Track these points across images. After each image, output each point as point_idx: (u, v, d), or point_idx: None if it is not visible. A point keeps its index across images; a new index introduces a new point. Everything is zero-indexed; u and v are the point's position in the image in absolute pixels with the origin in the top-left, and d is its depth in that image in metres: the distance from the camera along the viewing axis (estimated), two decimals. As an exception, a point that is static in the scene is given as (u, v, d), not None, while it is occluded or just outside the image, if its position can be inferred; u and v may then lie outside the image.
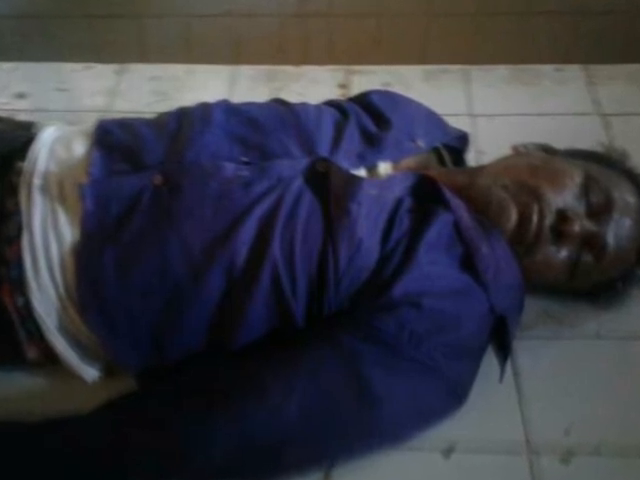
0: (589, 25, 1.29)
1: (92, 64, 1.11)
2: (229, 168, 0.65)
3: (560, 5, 1.34)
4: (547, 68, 1.10)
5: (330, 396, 0.59)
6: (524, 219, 0.66)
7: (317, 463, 0.62)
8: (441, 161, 0.80)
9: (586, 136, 0.86)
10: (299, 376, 0.59)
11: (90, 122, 0.72)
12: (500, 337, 0.66)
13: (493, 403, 0.67)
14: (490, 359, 0.67)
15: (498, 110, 1.02)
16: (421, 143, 0.75)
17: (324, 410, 0.59)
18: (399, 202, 0.65)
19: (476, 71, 1.10)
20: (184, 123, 0.70)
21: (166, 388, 0.62)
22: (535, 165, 0.70)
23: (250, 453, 0.58)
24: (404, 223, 0.64)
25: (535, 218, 0.66)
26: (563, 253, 0.68)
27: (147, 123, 0.72)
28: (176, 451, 0.57)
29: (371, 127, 0.74)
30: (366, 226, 0.62)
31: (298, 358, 0.61)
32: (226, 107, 0.73)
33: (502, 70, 1.10)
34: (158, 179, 0.64)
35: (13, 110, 1.00)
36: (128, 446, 0.57)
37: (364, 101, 0.79)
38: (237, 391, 0.59)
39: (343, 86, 1.06)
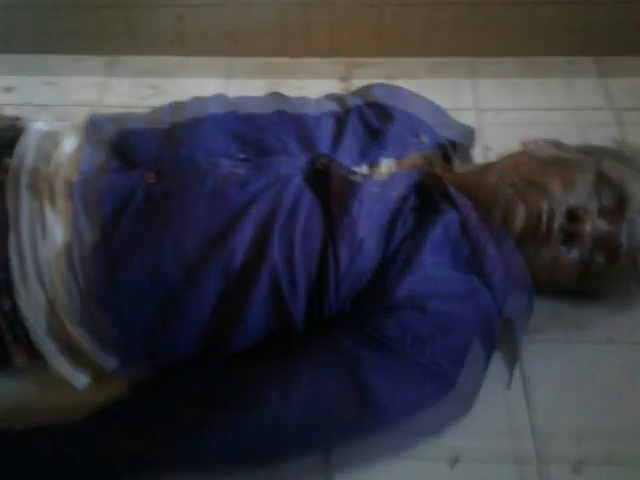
0: (603, 15, 1.26)
1: (82, 56, 1.11)
2: (225, 165, 0.64)
3: (572, -6, 1.31)
4: (558, 60, 1.09)
5: (330, 403, 0.58)
6: (533, 219, 0.65)
7: (317, 472, 0.60)
8: (446, 158, 0.79)
9: (598, 131, 0.87)
10: (297, 383, 0.58)
11: (80, 117, 0.71)
12: (508, 341, 0.65)
13: (501, 410, 0.66)
14: (498, 364, 0.66)
15: (506, 104, 1.01)
16: (425, 139, 0.74)
17: (324, 418, 0.58)
18: (403, 200, 0.64)
19: (483, 64, 1.09)
20: (178, 118, 0.69)
21: (159, 396, 0.62)
22: (545, 162, 0.69)
23: (247, 463, 0.57)
24: (408, 222, 0.63)
25: (544, 217, 0.65)
26: (574, 254, 0.66)
27: (139, 118, 0.71)
28: (169, 463, 0.56)
29: (373, 122, 0.73)
30: (368, 225, 0.61)
31: (296, 364, 0.60)
32: (222, 101, 0.72)
33: (510, 63, 1.09)
34: (151, 177, 0.63)
35: (-1, 104, 0.99)
36: (120, 457, 0.57)
37: (366, 95, 0.78)
38: (233, 400, 0.58)
39: (344, 79, 1.06)
